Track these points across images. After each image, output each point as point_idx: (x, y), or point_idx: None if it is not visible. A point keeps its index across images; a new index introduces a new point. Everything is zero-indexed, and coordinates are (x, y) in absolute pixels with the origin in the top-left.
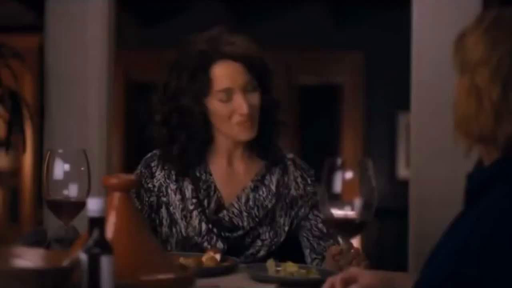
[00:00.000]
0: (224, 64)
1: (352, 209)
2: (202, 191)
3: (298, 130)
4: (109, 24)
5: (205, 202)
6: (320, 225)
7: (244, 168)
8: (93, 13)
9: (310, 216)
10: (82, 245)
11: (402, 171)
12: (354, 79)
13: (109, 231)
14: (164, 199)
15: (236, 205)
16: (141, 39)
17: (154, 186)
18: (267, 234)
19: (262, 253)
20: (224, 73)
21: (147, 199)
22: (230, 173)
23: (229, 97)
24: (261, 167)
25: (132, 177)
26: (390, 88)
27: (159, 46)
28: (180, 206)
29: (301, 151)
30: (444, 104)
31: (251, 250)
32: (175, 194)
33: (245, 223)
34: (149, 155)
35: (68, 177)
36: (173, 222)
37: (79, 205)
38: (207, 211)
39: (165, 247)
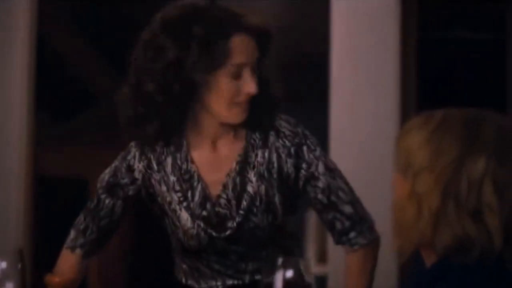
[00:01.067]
0: (242, 37)
1: None
2: (184, 181)
3: None
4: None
5: (189, 194)
6: (320, 196)
7: (228, 150)
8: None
9: (309, 188)
10: None
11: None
12: None
13: None
14: (151, 190)
15: (223, 195)
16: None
17: (135, 179)
18: (265, 220)
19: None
20: (241, 47)
21: (122, 194)
22: (214, 157)
23: (239, 73)
24: (244, 144)
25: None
26: None
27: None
28: (167, 198)
29: None
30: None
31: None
32: (160, 185)
33: (234, 214)
34: (125, 150)
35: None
36: (164, 213)
37: None
38: (191, 205)
39: (169, 230)
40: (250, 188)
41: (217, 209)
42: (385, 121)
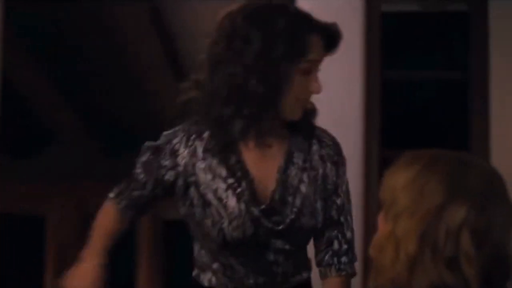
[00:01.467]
0: (316, 35)
1: None
2: (233, 171)
3: (161, 269)
4: None
5: (239, 183)
6: (334, 212)
7: (276, 147)
8: None
9: (328, 202)
10: None
11: None
12: None
13: None
14: (192, 178)
15: (278, 189)
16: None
17: (176, 164)
18: (310, 223)
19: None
20: (317, 44)
21: (159, 176)
22: (262, 152)
23: (309, 71)
24: (289, 146)
25: None
26: None
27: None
28: (213, 186)
29: None
30: None
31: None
32: (205, 173)
33: (288, 211)
34: (170, 131)
35: None
36: (206, 203)
37: None
38: (243, 193)
39: (200, 229)
40: (303, 188)
41: (271, 203)
42: (349, 159)
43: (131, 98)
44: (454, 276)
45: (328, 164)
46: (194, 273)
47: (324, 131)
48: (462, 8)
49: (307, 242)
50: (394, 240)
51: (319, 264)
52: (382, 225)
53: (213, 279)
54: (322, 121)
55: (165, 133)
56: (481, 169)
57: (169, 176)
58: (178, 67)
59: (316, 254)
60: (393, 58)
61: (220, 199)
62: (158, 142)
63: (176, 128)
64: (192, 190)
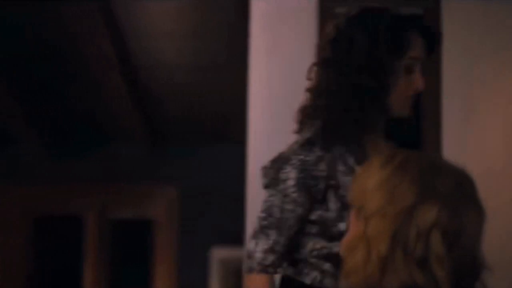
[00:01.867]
0: (417, 34)
1: None
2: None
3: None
4: None
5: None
6: None
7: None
8: None
9: None
10: None
11: None
12: (167, 214)
13: None
14: (333, 182)
15: None
16: None
17: (323, 170)
18: None
19: None
20: (418, 42)
21: (314, 188)
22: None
23: (412, 68)
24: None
25: None
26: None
27: None
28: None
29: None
30: None
31: None
32: (346, 175)
33: None
34: (302, 141)
35: None
36: (344, 206)
37: None
38: None
39: (331, 232)
40: None
41: None
42: None
43: (81, 99)
44: (424, 276)
45: None
46: (289, 271)
47: None
48: (417, 11)
49: None
50: (366, 240)
51: None
52: (354, 225)
53: (318, 278)
54: (281, 117)
55: (297, 145)
56: (453, 171)
57: (322, 184)
58: (130, 68)
59: None
60: None
61: None
62: (295, 158)
63: (307, 136)
64: (330, 194)
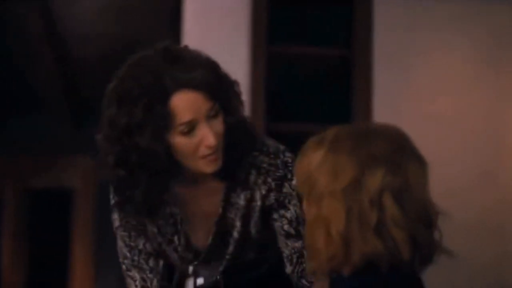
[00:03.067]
0: (184, 94)
1: None
2: (169, 226)
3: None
4: None
5: (175, 238)
6: (286, 227)
7: (211, 192)
8: None
9: (275, 216)
10: None
11: None
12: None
13: None
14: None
15: (207, 240)
16: None
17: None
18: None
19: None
20: (186, 105)
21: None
22: (197, 201)
23: (192, 128)
24: (225, 188)
25: None
26: None
27: None
28: (158, 239)
29: None
30: None
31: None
32: (152, 227)
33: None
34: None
35: None
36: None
37: None
38: (178, 248)
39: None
40: (235, 234)
41: (203, 253)
42: None
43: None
44: (383, 243)
45: (264, 192)
46: None
47: (266, 152)
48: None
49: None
50: (323, 221)
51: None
52: (307, 211)
53: None
54: None
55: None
56: (386, 133)
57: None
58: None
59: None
60: (278, 32)
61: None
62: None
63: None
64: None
